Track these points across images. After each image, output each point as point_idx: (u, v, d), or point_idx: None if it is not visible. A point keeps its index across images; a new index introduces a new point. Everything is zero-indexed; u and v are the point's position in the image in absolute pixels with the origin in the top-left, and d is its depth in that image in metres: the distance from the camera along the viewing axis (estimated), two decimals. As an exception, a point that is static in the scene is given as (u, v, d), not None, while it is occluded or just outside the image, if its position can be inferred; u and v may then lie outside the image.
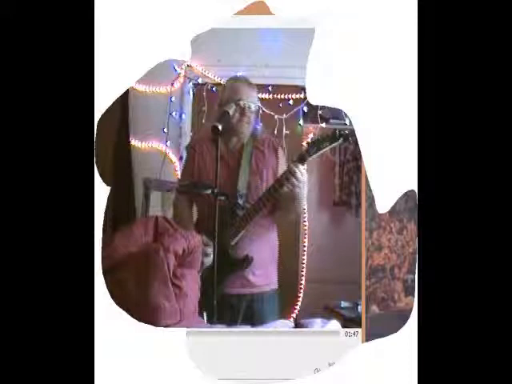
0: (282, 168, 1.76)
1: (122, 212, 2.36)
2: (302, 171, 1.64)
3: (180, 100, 2.77)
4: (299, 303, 2.63)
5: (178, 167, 2.70)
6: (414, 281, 1.32)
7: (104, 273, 1.29)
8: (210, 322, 1.49)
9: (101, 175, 1.32)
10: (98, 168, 1.31)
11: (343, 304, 2.47)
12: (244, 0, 1.37)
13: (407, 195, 1.34)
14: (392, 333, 1.30)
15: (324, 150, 1.64)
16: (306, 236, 2.72)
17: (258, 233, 1.78)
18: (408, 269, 1.36)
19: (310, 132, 2.76)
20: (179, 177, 2.27)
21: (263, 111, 2.52)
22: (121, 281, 1.31)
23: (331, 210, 3.03)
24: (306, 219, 2.71)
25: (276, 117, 2.70)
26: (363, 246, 1.36)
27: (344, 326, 1.39)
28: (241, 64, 2.60)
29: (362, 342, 1.33)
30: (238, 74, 2.27)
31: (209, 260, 1.61)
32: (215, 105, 1.88)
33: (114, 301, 1.28)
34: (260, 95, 2.48)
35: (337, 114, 2.67)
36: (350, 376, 1.30)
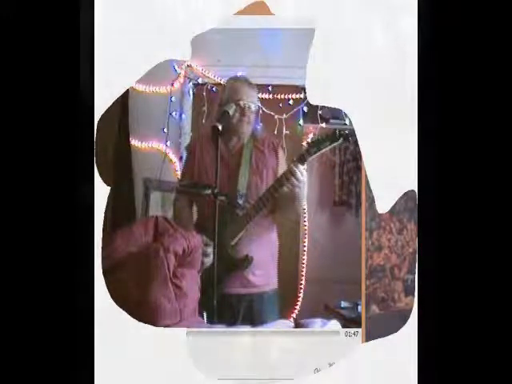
0: (282, 168, 1.76)
1: (121, 212, 2.35)
2: (302, 171, 1.65)
3: (180, 100, 2.76)
4: (299, 303, 2.62)
5: (178, 167, 2.69)
6: (414, 281, 1.32)
7: (104, 273, 1.29)
8: (210, 321, 1.49)
9: (101, 175, 1.32)
10: (98, 168, 1.31)
11: (343, 304, 2.46)
12: (244, 0, 1.37)
13: (407, 195, 1.34)
14: (392, 333, 1.30)
15: (324, 150, 1.65)
16: (306, 236, 2.71)
17: (258, 233, 1.78)
18: (408, 269, 1.36)
19: (310, 132, 2.75)
20: (179, 177, 2.27)
21: (263, 111, 2.51)
22: (121, 281, 1.31)
23: (331, 210, 3.02)
24: (306, 219, 2.70)
25: (276, 117, 2.69)
26: (363, 246, 1.36)
27: (344, 326, 1.39)
28: (241, 64, 2.59)
29: (362, 341, 1.33)
30: (238, 74, 2.27)
31: (209, 260, 1.61)
32: (215, 105, 1.88)
33: (114, 301, 1.28)
34: (260, 95, 2.47)
35: (337, 114, 2.66)
36: (350, 376, 1.30)
